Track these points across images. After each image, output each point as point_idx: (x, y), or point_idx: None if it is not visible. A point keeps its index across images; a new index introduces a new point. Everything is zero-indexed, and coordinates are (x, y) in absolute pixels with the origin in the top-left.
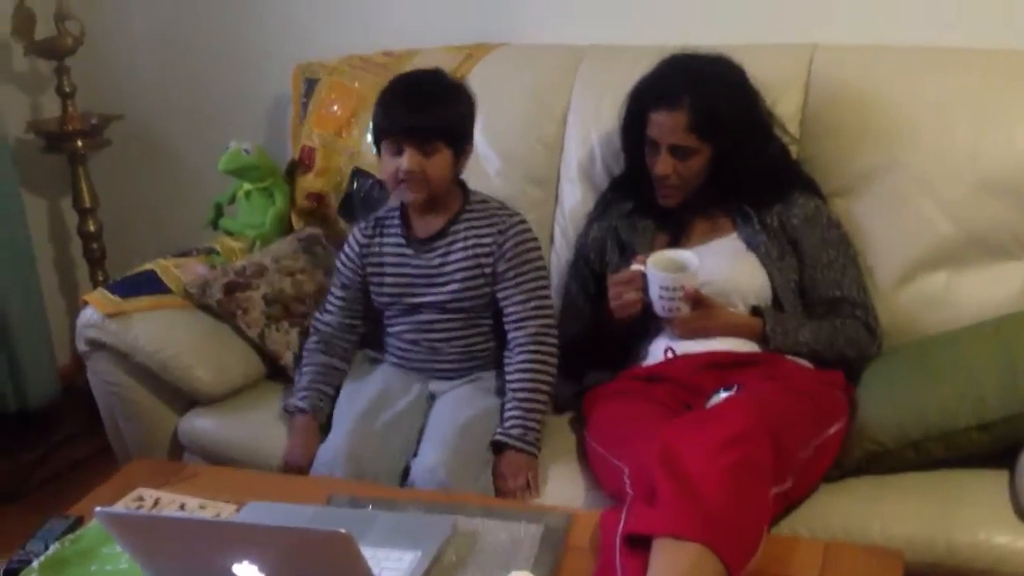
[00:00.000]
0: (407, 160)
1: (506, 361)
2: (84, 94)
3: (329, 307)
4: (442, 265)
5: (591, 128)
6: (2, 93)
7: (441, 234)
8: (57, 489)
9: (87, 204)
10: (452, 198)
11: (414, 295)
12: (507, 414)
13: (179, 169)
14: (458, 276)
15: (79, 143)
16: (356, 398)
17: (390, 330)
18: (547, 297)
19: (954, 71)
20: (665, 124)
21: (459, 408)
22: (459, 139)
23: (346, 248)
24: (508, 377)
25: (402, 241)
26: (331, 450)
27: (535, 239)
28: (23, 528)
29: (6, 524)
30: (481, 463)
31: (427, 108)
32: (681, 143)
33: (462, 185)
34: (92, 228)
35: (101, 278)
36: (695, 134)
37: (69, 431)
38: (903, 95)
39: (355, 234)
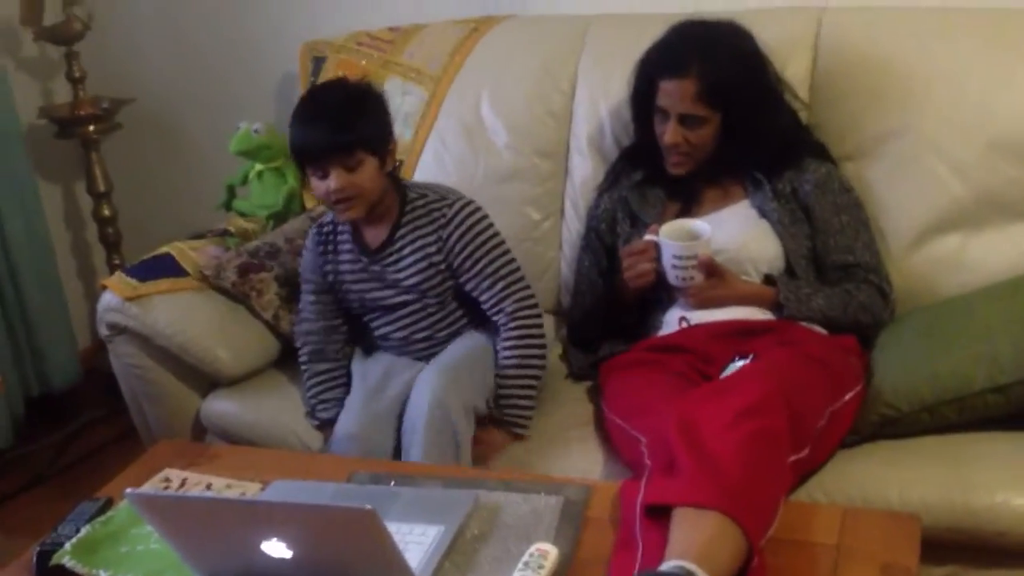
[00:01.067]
0: (335, 180)
1: (500, 340)
2: (94, 79)
3: (307, 315)
4: (396, 272)
5: (599, 99)
6: (13, 80)
7: (388, 242)
8: (82, 472)
9: (101, 188)
10: (391, 201)
11: (380, 300)
12: (499, 391)
13: (191, 150)
14: (415, 279)
15: (91, 128)
16: (365, 377)
17: (377, 332)
18: (514, 271)
19: (964, 32)
20: (674, 93)
21: (449, 353)
22: (380, 143)
23: (306, 256)
24: (499, 357)
25: (355, 251)
26: (342, 433)
27: (481, 220)
28: (50, 511)
29: (34, 507)
30: (475, 382)
31: (340, 124)
32: (690, 112)
33: (398, 184)
34: (107, 212)
35: (117, 262)
36: (704, 102)
37: (92, 414)
38: (912, 57)
39: (309, 243)
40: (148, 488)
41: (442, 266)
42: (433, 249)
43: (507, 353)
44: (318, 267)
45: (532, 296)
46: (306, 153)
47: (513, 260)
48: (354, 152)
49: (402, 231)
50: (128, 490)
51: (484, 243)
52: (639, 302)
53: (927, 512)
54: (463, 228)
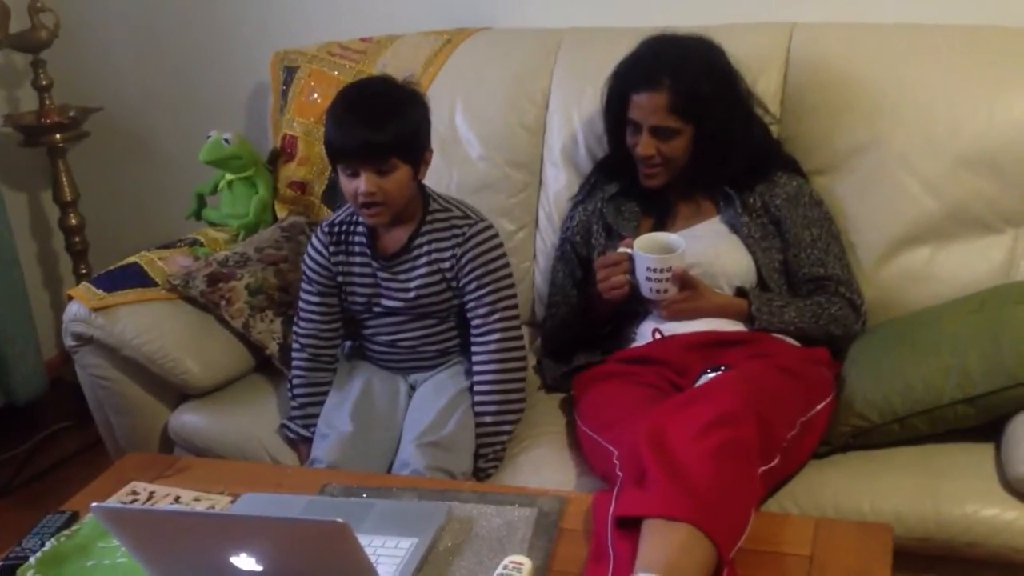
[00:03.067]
0: (364, 182)
1: (474, 374)
2: (62, 87)
3: (308, 315)
4: (407, 280)
5: (573, 111)
6: None
7: (405, 249)
8: (48, 484)
9: (68, 197)
10: (414, 208)
11: (382, 304)
12: (476, 432)
13: (160, 160)
14: (423, 290)
15: (57, 136)
16: (341, 408)
17: (364, 332)
18: (512, 307)
19: (932, 48)
20: (646, 106)
21: (435, 398)
22: (415, 152)
23: (313, 255)
24: (475, 398)
25: (368, 253)
26: (326, 461)
27: (496, 247)
28: (15, 524)
29: None
30: (461, 452)
31: (378, 126)
32: (663, 124)
33: (423, 191)
34: (74, 221)
35: (84, 271)
36: (676, 115)
37: (58, 425)
38: (882, 72)
39: (317, 244)
40: (115, 501)
41: (453, 283)
42: (447, 264)
43: (483, 399)
44: (328, 268)
45: (519, 338)
46: (337, 150)
47: (515, 296)
48: (388, 157)
49: (420, 240)
50: (94, 504)
51: (493, 271)
52: (613, 314)
53: (899, 522)
54: (478, 251)
